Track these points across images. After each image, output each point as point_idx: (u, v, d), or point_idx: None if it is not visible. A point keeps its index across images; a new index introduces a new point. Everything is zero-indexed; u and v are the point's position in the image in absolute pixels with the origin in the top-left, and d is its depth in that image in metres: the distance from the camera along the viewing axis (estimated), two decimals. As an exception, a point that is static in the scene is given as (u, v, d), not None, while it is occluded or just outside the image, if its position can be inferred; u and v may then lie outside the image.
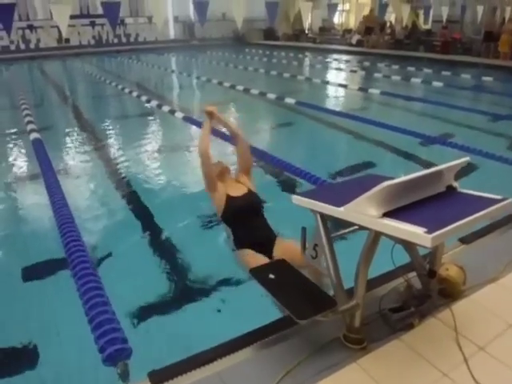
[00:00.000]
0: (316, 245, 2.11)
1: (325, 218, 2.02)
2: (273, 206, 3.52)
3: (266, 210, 3.21)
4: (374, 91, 10.27)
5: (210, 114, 3.30)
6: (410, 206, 1.81)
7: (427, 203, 1.85)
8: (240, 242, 2.93)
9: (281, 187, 4.77)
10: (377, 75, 13.05)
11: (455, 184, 2.04)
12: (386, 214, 1.73)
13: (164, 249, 3.60)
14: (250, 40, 24.79)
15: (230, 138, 3.90)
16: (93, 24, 21.94)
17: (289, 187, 4.68)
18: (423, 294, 2.34)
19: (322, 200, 1.96)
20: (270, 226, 3.04)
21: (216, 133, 5.39)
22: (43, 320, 2.78)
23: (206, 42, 23.99)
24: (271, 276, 2.08)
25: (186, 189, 4.71)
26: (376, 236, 1.88)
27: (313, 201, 1.98)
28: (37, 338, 2.61)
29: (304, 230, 2.18)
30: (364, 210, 1.74)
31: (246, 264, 2.73)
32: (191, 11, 24.11)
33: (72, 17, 19.40)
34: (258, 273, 2.11)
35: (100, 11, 20.81)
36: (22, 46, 20.61)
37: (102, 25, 21.66)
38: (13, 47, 20.27)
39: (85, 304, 2.71)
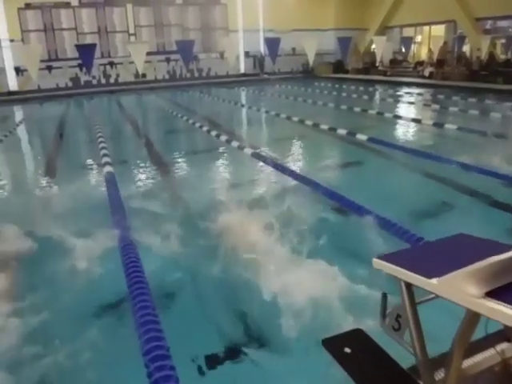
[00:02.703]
0: (399, 315, 1.85)
1: (411, 286, 1.76)
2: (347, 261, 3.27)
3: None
4: (451, 126, 9.72)
5: None
6: (518, 283, 1.52)
7: (539, 280, 1.55)
8: None
9: (353, 235, 4.47)
10: (452, 109, 12.41)
11: None
12: (489, 294, 1.46)
13: (232, 295, 3.42)
14: (319, 73, 24.86)
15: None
16: (168, 60, 23.03)
17: (362, 234, 4.36)
18: (524, 377, 1.99)
19: (409, 267, 1.70)
20: None
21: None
22: (101, 368, 2.68)
23: (276, 75, 24.36)
24: (347, 350, 1.84)
25: (256, 228, 4.49)
26: (475, 317, 1.59)
27: (397, 267, 1.73)
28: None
29: (385, 296, 1.93)
30: (462, 287, 1.47)
31: None
32: (261, 46, 24.77)
33: (149, 53, 20.68)
34: (332, 345, 1.87)
35: (175, 47, 21.97)
36: (103, 81, 22.03)
37: (176, 60, 22.72)
38: (94, 82, 21.74)
39: (145, 355, 2.60)
